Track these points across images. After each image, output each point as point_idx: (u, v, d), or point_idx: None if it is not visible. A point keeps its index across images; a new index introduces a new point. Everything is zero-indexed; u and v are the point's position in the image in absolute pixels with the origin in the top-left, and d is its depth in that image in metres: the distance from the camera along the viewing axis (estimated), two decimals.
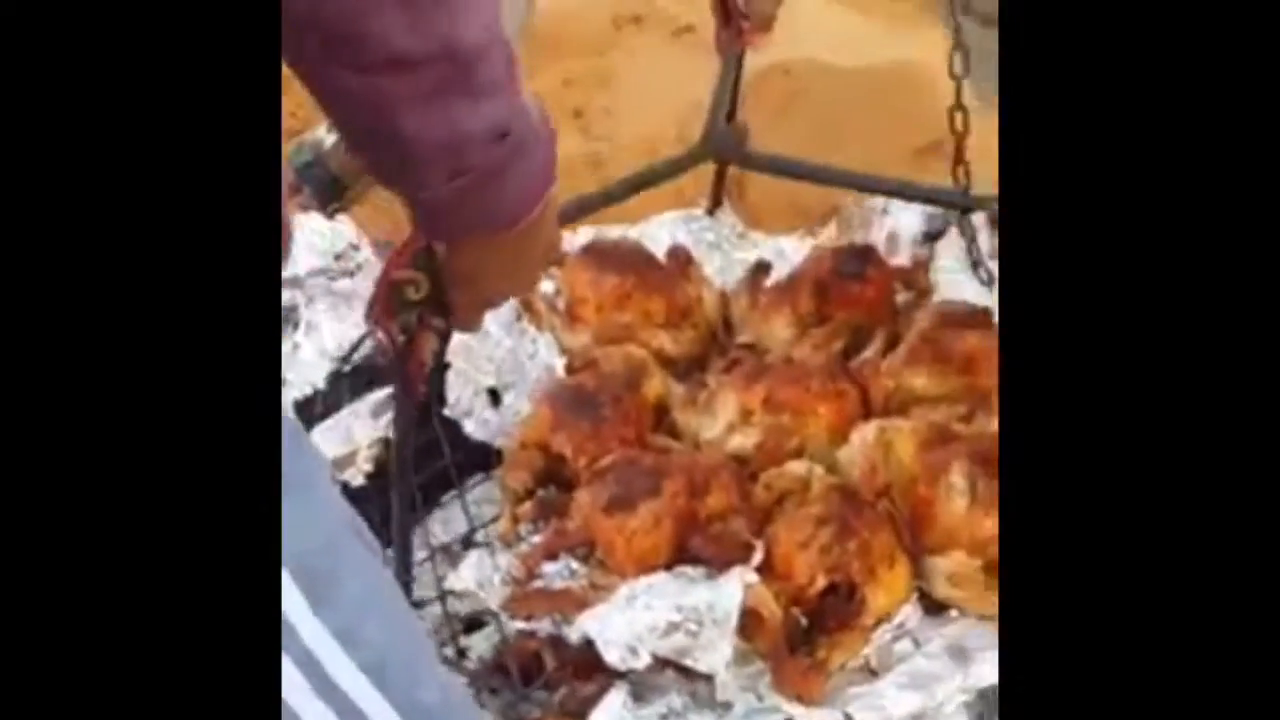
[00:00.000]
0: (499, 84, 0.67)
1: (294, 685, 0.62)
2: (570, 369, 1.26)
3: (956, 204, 1.34)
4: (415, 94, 0.65)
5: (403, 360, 0.87)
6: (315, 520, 0.65)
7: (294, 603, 0.62)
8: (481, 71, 0.66)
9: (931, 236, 1.46)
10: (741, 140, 1.31)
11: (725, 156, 1.35)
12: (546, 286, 1.34)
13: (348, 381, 1.27)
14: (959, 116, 1.32)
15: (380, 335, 0.85)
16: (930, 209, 1.46)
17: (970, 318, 1.27)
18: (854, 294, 1.32)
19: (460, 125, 0.67)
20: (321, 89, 0.66)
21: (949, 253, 1.43)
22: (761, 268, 1.40)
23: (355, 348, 1.29)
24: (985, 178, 1.50)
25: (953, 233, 1.43)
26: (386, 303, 0.83)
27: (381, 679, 0.64)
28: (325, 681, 0.63)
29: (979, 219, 1.34)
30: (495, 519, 1.18)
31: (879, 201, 1.51)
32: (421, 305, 0.83)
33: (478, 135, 0.68)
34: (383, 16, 0.62)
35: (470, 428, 1.23)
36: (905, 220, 1.49)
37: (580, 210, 1.26)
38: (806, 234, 1.57)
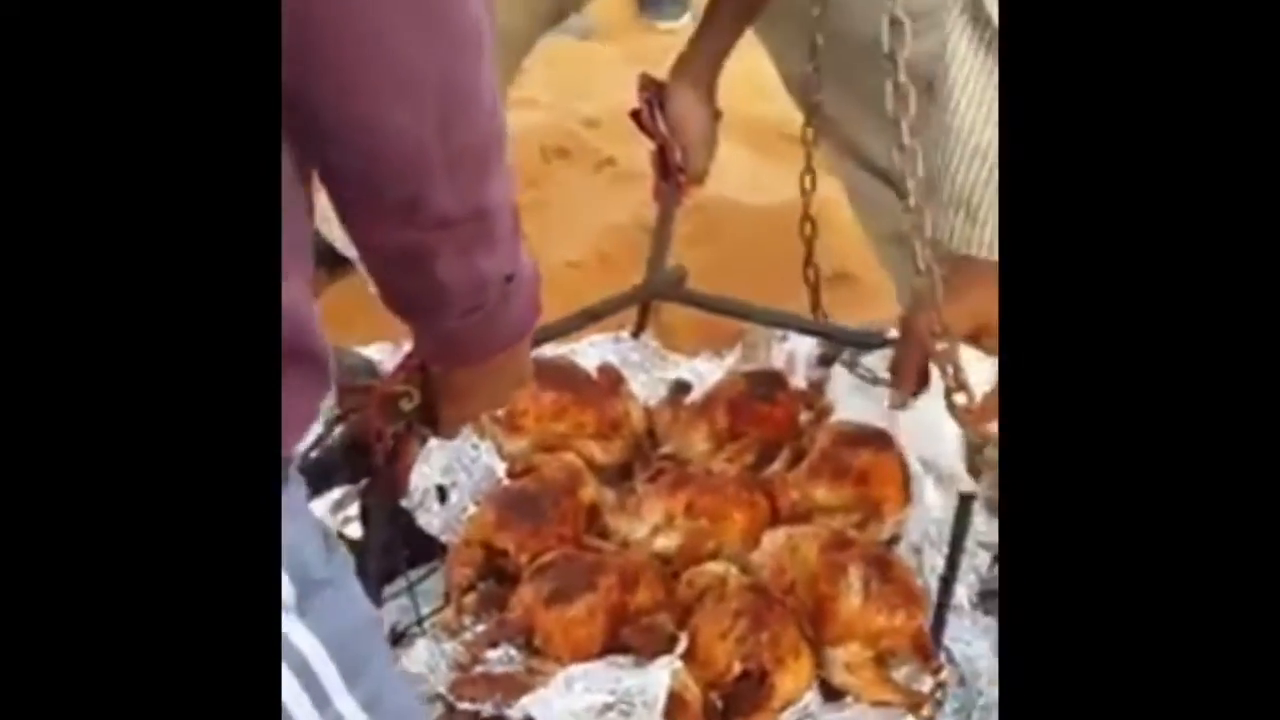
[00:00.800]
0: (510, 235, 0.79)
1: None
2: (511, 473, 1.40)
3: (858, 342, 1.52)
4: (451, 247, 0.76)
5: (390, 462, 1.00)
6: (352, 607, 0.77)
7: (331, 679, 0.73)
8: (500, 226, 0.78)
9: (825, 360, 1.65)
10: (682, 281, 1.48)
11: (668, 295, 1.52)
12: None
13: (309, 477, 1.38)
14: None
15: (374, 440, 0.98)
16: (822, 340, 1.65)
17: (864, 436, 1.43)
18: (763, 414, 1.48)
19: (482, 272, 0.79)
20: (365, 239, 0.76)
21: (841, 376, 1.61)
22: (681, 387, 1.56)
23: (314, 445, 1.41)
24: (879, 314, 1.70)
25: (846, 358, 1.62)
26: (381, 410, 0.96)
27: None
28: None
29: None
30: (440, 609, 1.30)
31: (778, 330, 1.69)
32: (411, 415, 0.96)
33: (493, 279, 0.80)
34: (434, 184, 0.72)
35: (422, 520, 1.35)
36: (802, 346, 1.67)
37: (546, 336, 1.40)
38: (714, 355, 1.74)
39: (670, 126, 1.38)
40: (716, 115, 1.54)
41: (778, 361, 1.63)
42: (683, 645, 1.19)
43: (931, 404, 1.26)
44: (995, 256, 1.25)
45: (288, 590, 0.73)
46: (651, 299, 1.52)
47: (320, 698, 0.73)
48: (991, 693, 1.25)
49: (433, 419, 0.97)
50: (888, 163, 1.62)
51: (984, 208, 1.20)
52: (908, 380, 1.28)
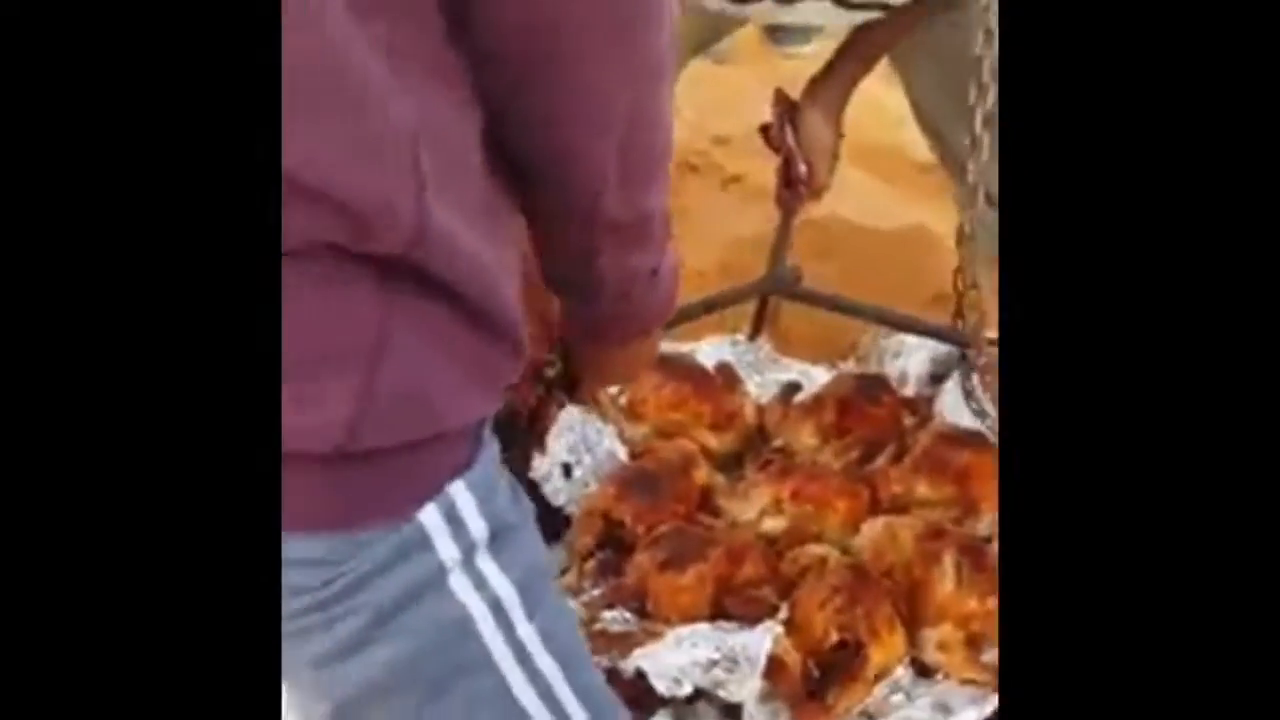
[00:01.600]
0: (662, 235, 0.88)
1: (509, 669, 0.83)
2: (632, 454, 1.52)
3: (958, 341, 1.61)
4: (613, 246, 0.85)
5: (531, 425, 1.12)
6: (534, 550, 0.87)
7: (516, 610, 0.82)
8: (656, 227, 0.87)
9: (936, 379, 1.73)
10: (798, 279, 1.59)
11: (784, 291, 1.64)
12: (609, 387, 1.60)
13: None
14: (960, 277, 1.59)
15: (520, 405, 1.10)
16: (935, 356, 1.74)
17: (965, 439, 1.52)
18: (869, 414, 1.57)
19: (634, 267, 0.88)
20: (538, 235, 0.85)
21: (950, 393, 1.69)
22: (792, 387, 1.66)
23: None
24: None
25: (955, 376, 1.70)
26: (528, 378, 1.07)
27: (566, 666, 0.85)
28: (533, 670, 0.84)
29: (978, 361, 1.60)
30: (563, 572, 1.42)
31: (893, 343, 1.78)
32: (552, 382, 1.08)
33: (642, 273, 0.89)
34: (608, 194, 0.81)
35: (548, 493, 1.48)
36: (914, 362, 1.76)
37: (670, 321, 1.52)
38: (828, 365, 1.84)
39: (797, 141, 1.49)
40: (840, 136, 1.65)
41: (890, 374, 1.73)
42: (784, 614, 1.29)
43: None
44: None
45: (481, 530, 0.81)
46: (769, 294, 1.64)
47: (507, 625, 0.82)
48: None
49: (570, 387, 1.08)
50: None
51: None
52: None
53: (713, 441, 1.55)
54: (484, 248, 0.78)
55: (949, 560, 1.34)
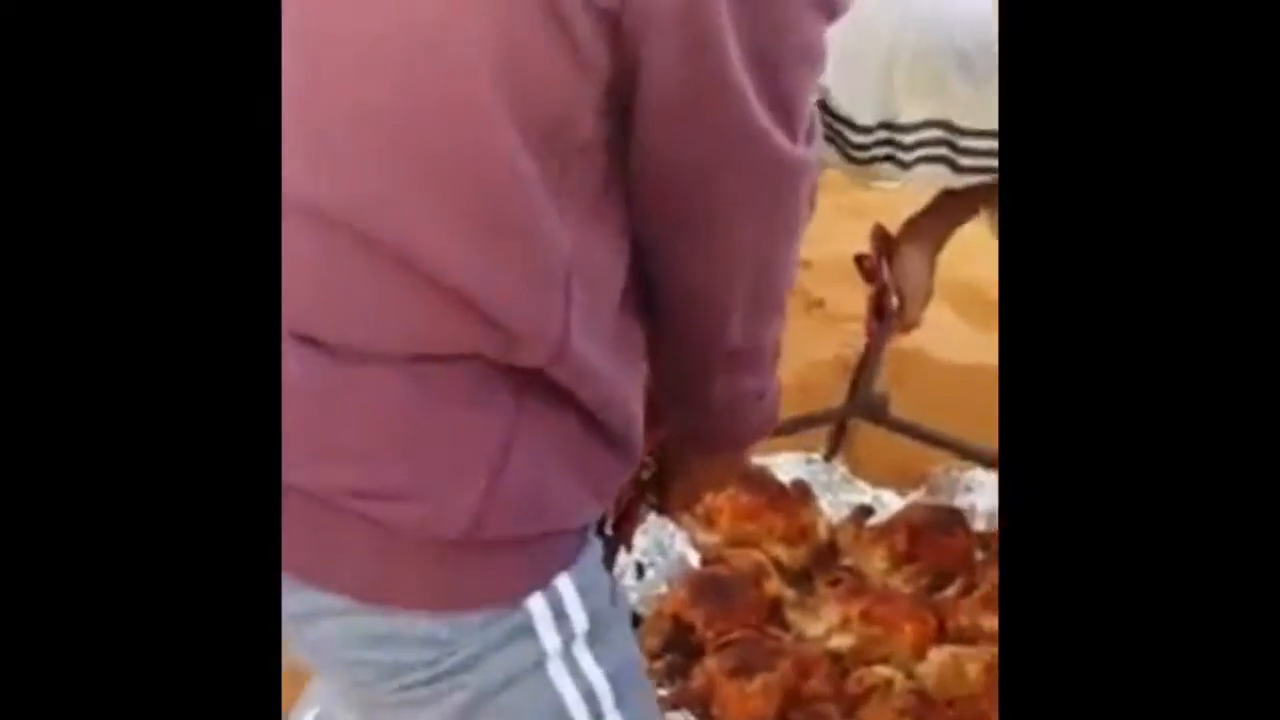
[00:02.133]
0: (772, 362, 0.94)
1: None
2: (704, 561, 1.54)
3: None
4: (727, 370, 0.90)
5: (621, 522, 1.15)
6: (627, 646, 0.92)
7: (606, 700, 0.87)
8: (768, 356, 0.93)
9: None
10: (885, 405, 1.63)
11: (872, 416, 1.68)
12: None
13: None
14: None
15: (616, 503, 1.12)
16: None
17: None
18: (941, 544, 1.59)
19: (744, 389, 0.93)
20: (660, 358, 0.89)
21: None
22: (865, 510, 1.69)
23: None
24: None
25: None
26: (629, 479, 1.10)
27: None
28: None
29: None
30: None
31: (965, 478, 1.81)
32: (646, 484, 1.11)
33: (751, 394, 0.94)
34: (731, 328, 0.86)
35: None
36: (984, 498, 1.79)
37: None
38: (900, 492, 1.86)
39: (893, 276, 1.54)
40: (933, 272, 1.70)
41: (961, 508, 1.75)
42: None
43: None
44: None
45: (582, 623, 0.85)
46: (857, 416, 1.67)
47: (596, 714, 0.86)
48: None
49: (661, 491, 1.12)
50: None
51: None
52: None
53: (784, 555, 1.58)
54: (615, 368, 0.84)
55: None
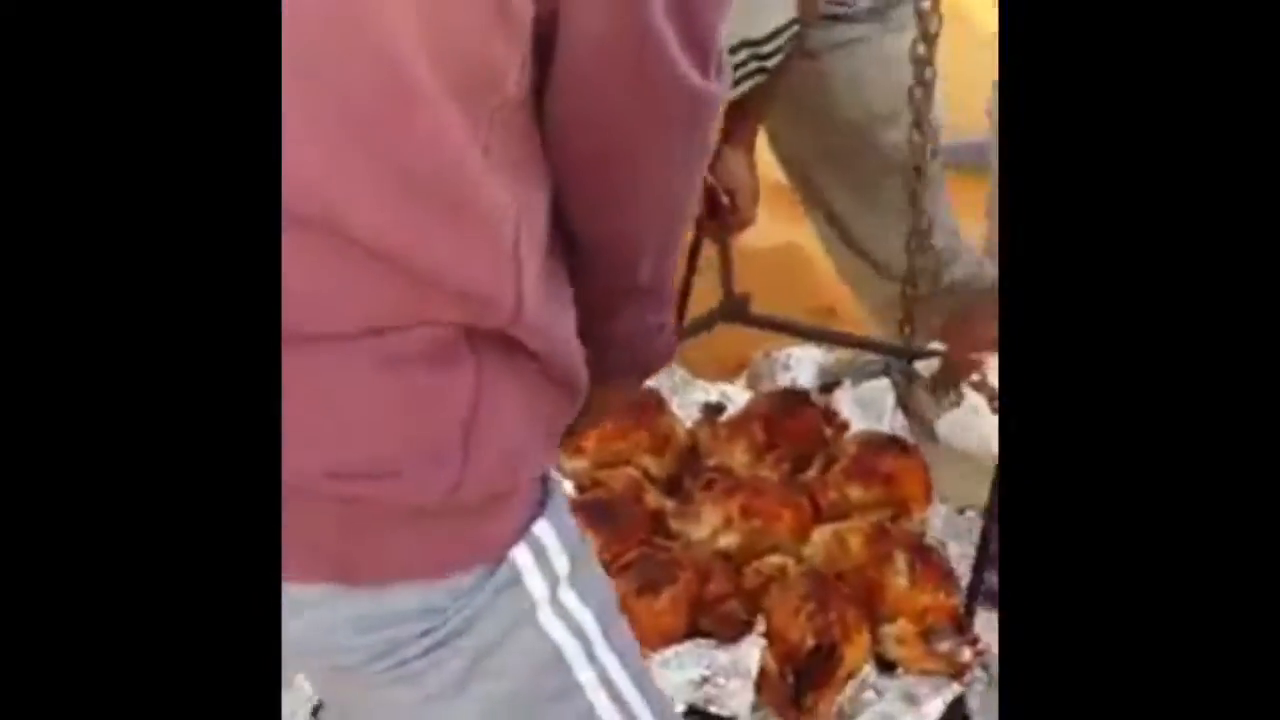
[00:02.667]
0: (671, 295, 0.97)
1: (594, 694, 0.88)
2: (579, 488, 1.55)
3: (915, 355, 1.71)
4: (634, 306, 0.93)
5: None
6: (603, 581, 0.94)
7: (596, 636, 0.89)
8: (668, 289, 0.95)
9: (826, 388, 1.83)
10: (747, 304, 1.68)
11: (740, 316, 1.74)
12: None
13: None
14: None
15: None
16: (823, 366, 1.85)
17: (888, 443, 1.62)
18: (794, 428, 1.65)
19: (647, 323, 0.96)
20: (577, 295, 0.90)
21: (843, 400, 1.79)
22: (715, 408, 1.73)
23: None
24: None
25: (847, 384, 1.81)
26: None
27: (640, 685, 0.92)
28: (615, 693, 0.90)
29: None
30: None
31: (780, 356, 1.87)
32: None
33: (654, 328, 0.97)
34: (641, 268, 0.89)
35: None
36: (804, 374, 1.86)
37: None
38: (725, 381, 1.91)
39: (719, 179, 1.58)
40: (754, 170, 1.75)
41: (780, 385, 1.82)
42: (762, 626, 1.34)
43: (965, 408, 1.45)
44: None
45: (564, 564, 0.87)
46: (727, 320, 1.72)
47: (590, 654, 0.88)
48: None
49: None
50: (865, 238, 1.88)
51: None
52: (956, 384, 1.47)
53: (653, 466, 1.60)
54: (556, 311, 0.84)
55: (900, 559, 1.42)
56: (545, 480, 0.89)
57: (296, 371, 0.76)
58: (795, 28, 1.53)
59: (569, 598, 0.88)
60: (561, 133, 0.79)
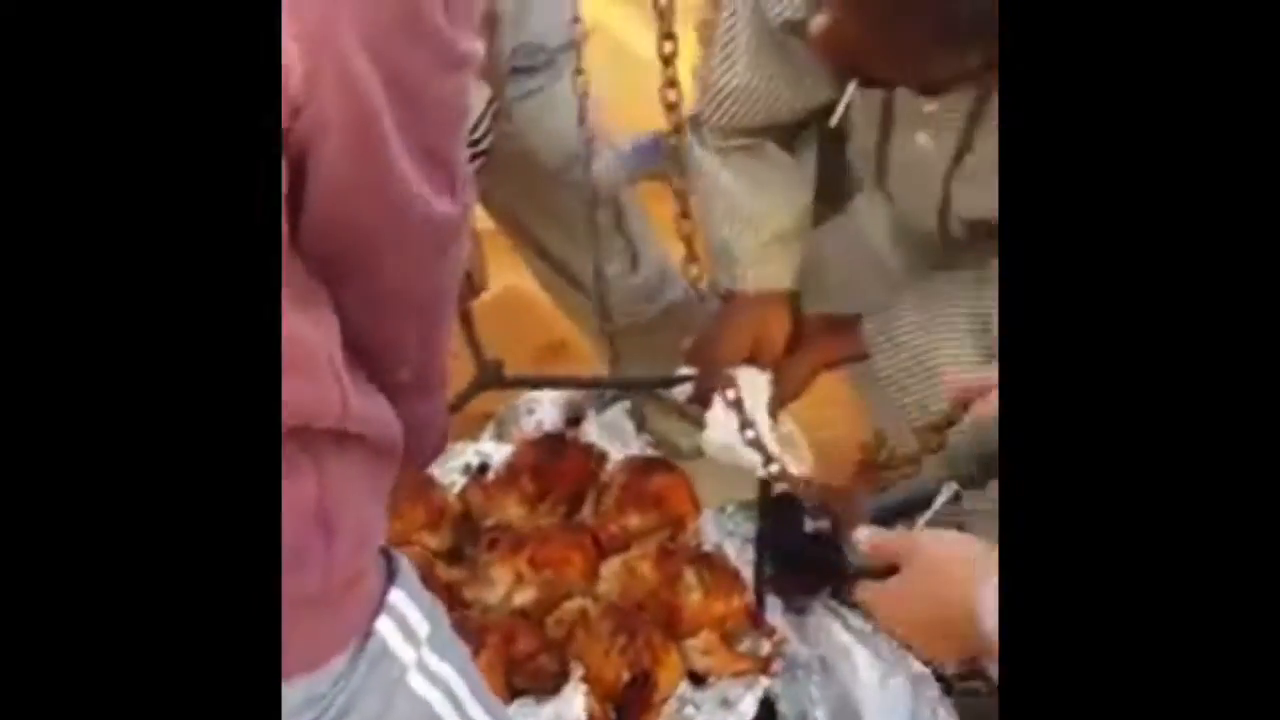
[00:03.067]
0: (441, 389, 0.99)
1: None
2: None
3: (665, 384, 1.78)
4: (403, 399, 0.92)
5: None
6: (455, 634, 0.99)
7: (464, 694, 0.94)
8: (435, 384, 0.97)
9: (572, 422, 1.89)
10: (501, 368, 1.70)
11: (498, 382, 1.77)
12: None
13: None
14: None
15: None
16: (567, 401, 1.90)
17: (650, 465, 1.69)
18: (562, 470, 1.70)
19: (416, 415, 0.94)
20: None
21: (591, 430, 1.86)
22: (481, 468, 1.75)
23: None
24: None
25: (590, 414, 1.87)
26: None
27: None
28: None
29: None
30: None
31: (521, 403, 1.92)
32: None
33: (423, 419, 0.95)
34: (405, 366, 0.90)
35: None
36: (548, 414, 1.91)
37: None
38: (473, 439, 1.94)
39: None
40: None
41: (529, 430, 1.86)
42: (580, 671, 1.38)
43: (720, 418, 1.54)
44: (755, 288, 1.59)
45: (424, 627, 0.91)
46: (487, 388, 1.74)
47: (459, 708, 0.93)
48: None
49: None
50: (578, 273, 1.96)
51: (742, 254, 1.53)
52: (707, 401, 1.55)
53: (432, 541, 1.61)
54: (371, 392, 0.88)
55: (689, 574, 1.49)
56: (386, 550, 0.93)
57: None
58: (496, 103, 1.58)
59: (432, 659, 0.92)
60: (309, 248, 0.80)
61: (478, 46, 0.79)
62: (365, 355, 0.90)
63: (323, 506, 0.83)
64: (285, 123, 0.71)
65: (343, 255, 0.81)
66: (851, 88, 1.31)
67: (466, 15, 0.76)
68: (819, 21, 1.21)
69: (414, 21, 0.74)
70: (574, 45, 1.70)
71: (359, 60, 0.71)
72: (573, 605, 1.49)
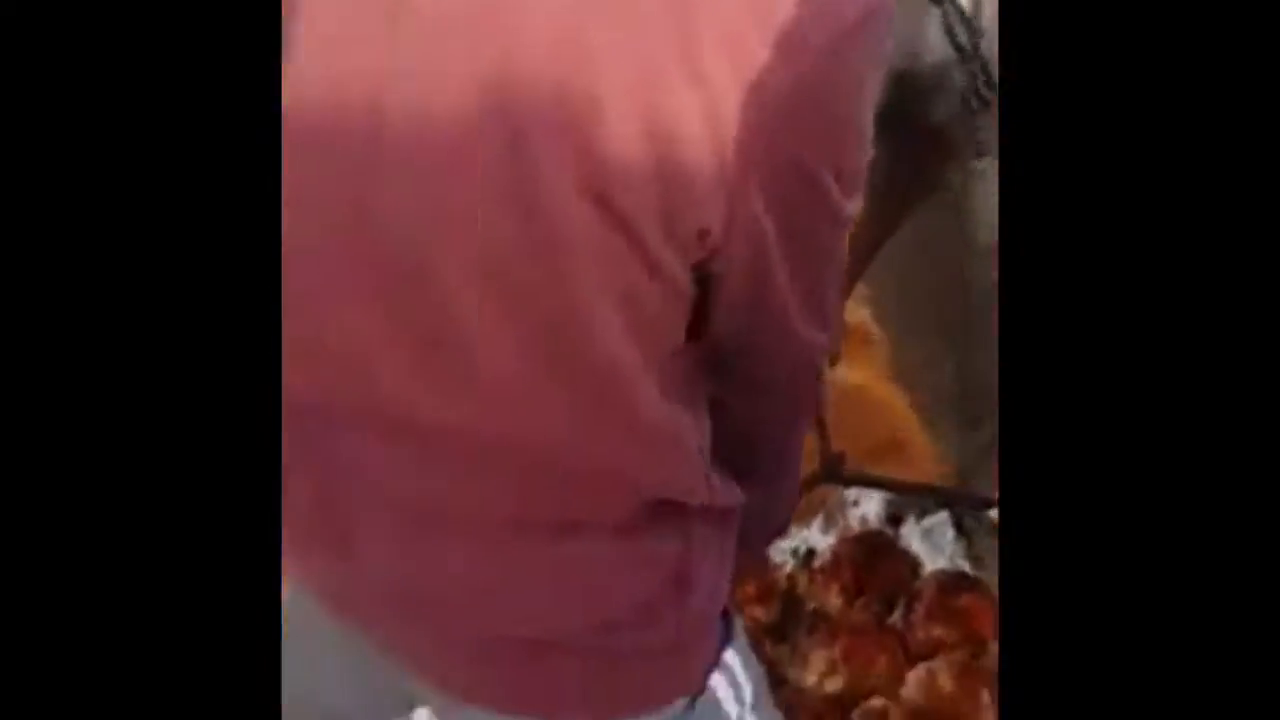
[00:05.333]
0: (791, 491, 1.12)
1: None
2: None
3: (978, 504, 1.93)
4: (758, 487, 1.02)
5: None
6: (773, 706, 1.10)
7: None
8: (785, 485, 1.11)
9: (894, 520, 2.06)
10: (843, 462, 1.91)
11: (840, 478, 1.94)
12: None
13: None
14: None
15: None
16: (890, 499, 2.06)
17: (960, 582, 1.85)
18: (880, 569, 1.89)
19: (761, 502, 1.04)
20: None
21: (911, 535, 2.03)
22: (810, 553, 1.97)
23: None
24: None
25: (911, 519, 2.03)
26: None
27: None
28: None
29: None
30: None
31: (849, 495, 2.10)
32: None
33: (769, 504, 1.07)
34: (773, 443, 1.04)
35: None
36: (870, 509, 2.08)
37: None
38: (804, 525, 2.11)
39: None
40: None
41: (854, 523, 2.05)
42: None
43: None
44: None
45: (749, 690, 1.01)
46: (828, 482, 1.94)
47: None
48: None
49: None
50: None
51: None
52: None
53: (761, 614, 1.84)
54: (728, 476, 0.98)
55: (984, 693, 1.66)
56: (726, 611, 1.03)
57: (560, 553, 0.90)
58: None
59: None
60: (709, 355, 0.90)
61: (859, 206, 0.92)
62: (734, 445, 1.01)
63: (682, 568, 0.92)
64: (701, 254, 0.82)
65: (735, 357, 0.92)
66: None
67: (854, 185, 0.89)
68: None
69: (811, 188, 0.87)
70: None
71: (766, 219, 0.85)
72: (877, 703, 1.69)
